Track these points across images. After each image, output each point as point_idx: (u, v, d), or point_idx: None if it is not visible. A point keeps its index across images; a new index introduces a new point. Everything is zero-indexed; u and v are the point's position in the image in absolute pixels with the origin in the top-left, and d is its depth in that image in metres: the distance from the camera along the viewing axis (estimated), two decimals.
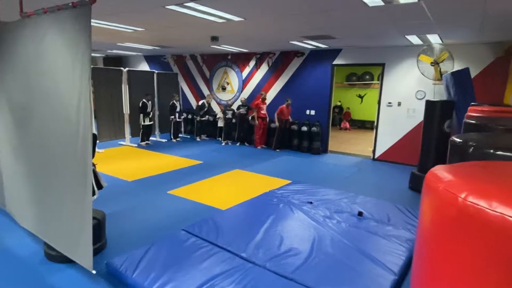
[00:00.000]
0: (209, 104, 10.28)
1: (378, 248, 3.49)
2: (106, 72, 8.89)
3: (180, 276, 2.87)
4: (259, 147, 9.29)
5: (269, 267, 3.06)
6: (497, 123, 2.06)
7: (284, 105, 8.84)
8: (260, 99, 9.14)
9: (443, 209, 0.74)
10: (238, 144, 9.68)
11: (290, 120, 9.04)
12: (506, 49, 6.59)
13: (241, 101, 9.68)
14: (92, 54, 12.01)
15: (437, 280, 0.78)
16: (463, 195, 0.70)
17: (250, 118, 9.57)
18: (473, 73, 6.25)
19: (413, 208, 4.67)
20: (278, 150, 9.02)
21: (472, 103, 4.83)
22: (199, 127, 10.35)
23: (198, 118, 10.20)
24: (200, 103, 10.31)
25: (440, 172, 0.86)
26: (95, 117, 7.70)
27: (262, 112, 9.10)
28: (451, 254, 0.72)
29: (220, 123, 10.09)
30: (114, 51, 10.91)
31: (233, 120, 9.76)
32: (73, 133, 2.70)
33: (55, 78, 2.82)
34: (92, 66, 2.62)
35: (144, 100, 9.01)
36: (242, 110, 9.49)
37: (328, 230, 3.87)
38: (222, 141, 9.85)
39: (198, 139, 10.32)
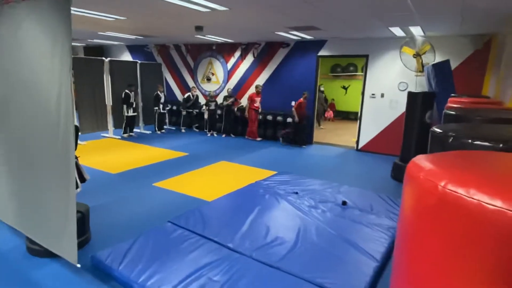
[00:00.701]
0: (195, 97, 10.17)
1: (361, 236, 3.59)
2: (87, 62, 8.65)
3: (167, 267, 2.88)
4: (258, 139, 9.22)
5: (255, 256, 3.11)
6: (475, 114, 2.13)
7: (301, 99, 8.47)
8: (255, 92, 9.03)
9: (424, 196, 0.77)
10: (223, 135, 9.65)
11: (306, 114, 8.64)
12: (485, 42, 6.76)
13: (228, 92, 9.62)
14: (72, 44, 11.64)
15: (418, 265, 0.81)
16: (442, 183, 0.73)
17: (235, 109, 9.53)
18: (453, 65, 6.39)
19: (395, 197, 4.80)
20: (284, 143, 8.76)
21: (452, 95, 4.96)
22: (185, 119, 10.28)
23: (184, 112, 10.12)
24: (185, 96, 10.22)
25: (421, 161, 0.89)
26: (76, 109, 7.51)
27: (255, 104, 9.00)
28: (431, 240, 0.76)
29: (206, 115, 10.04)
30: (95, 40, 10.60)
31: (218, 111, 9.71)
32: (54, 125, 2.63)
33: (34, 68, 2.73)
34: (72, 55, 2.54)
35: (126, 90, 8.81)
36: (228, 101, 9.44)
37: (313, 220, 3.94)
38: (208, 133, 9.80)
39: (182, 130, 10.25)
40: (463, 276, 0.69)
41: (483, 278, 0.66)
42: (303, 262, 3.04)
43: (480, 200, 0.66)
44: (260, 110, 9.17)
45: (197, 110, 10.24)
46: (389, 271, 3.11)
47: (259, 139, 9.25)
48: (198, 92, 10.55)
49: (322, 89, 13.07)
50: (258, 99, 9.03)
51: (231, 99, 9.44)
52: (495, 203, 0.64)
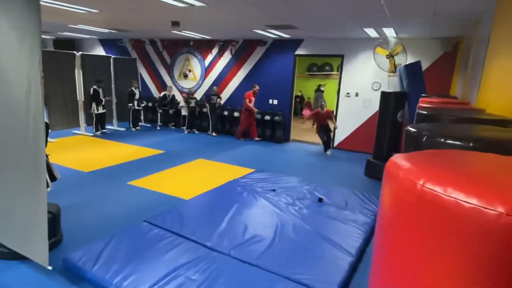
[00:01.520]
0: (171, 96, 10.00)
1: (337, 232, 3.67)
2: (58, 56, 8.28)
3: (143, 268, 2.82)
4: (257, 139, 9.01)
5: (233, 254, 3.11)
6: (446, 114, 2.24)
7: (319, 109, 8.04)
8: (253, 91, 8.75)
9: (403, 195, 0.80)
10: (209, 132, 9.49)
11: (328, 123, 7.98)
12: (453, 44, 7.08)
13: (214, 90, 9.41)
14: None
15: (397, 262, 0.84)
16: (421, 182, 0.76)
17: (217, 105, 9.41)
18: (423, 66, 6.64)
19: (368, 194, 4.94)
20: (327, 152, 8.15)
21: (423, 95, 5.15)
22: (161, 116, 10.15)
23: (160, 110, 10.00)
24: (161, 94, 10.05)
25: (400, 160, 0.93)
26: (45, 104, 7.17)
27: (250, 104, 8.74)
28: (411, 237, 0.79)
29: (184, 112, 9.86)
30: (66, 33, 10.16)
31: (197, 109, 9.57)
32: (23, 122, 2.50)
33: (0, 61, 2.58)
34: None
35: (95, 87, 8.46)
36: (214, 100, 9.29)
37: (290, 217, 3.99)
38: (185, 130, 9.66)
39: (158, 128, 10.06)
40: (442, 272, 0.72)
41: (461, 274, 0.69)
42: (281, 258, 3.07)
43: (457, 198, 0.69)
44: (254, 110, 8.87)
45: (173, 110, 10.09)
46: (364, 265, 3.21)
47: (257, 138, 9.04)
48: (175, 91, 10.38)
49: (322, 89, 13.25)
50: (253, 99, 8.80)
51: (216, 97, 9.30)
52: (471, 201, 0.67)
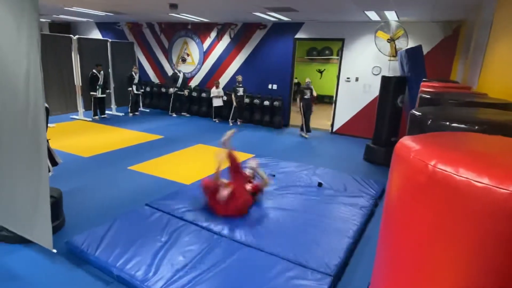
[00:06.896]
0: (182, 75, 9.54)
1: (336, 215, 3.72)
2: (54, 40, 8.12)
3: (146, 250, 2.86)
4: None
5: (234, 237, 3.15)
6: (449, 98, 2.24)
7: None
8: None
9: (414, 176, 0.81)
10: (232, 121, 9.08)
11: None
12: (454, 28, 6.99)
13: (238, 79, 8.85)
14: None
15: (406, 241, 0.86)
16: (432, 163, 0.77)
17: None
18: (424, 51, 6.56)
19: (367, 178, 4.98)
20: None
21: (424, 79, 5.12)
22: (174, 101, 9.62)
23: (172, 90, 9.42)
24: (171, 74, 9.61)
25: (409, 142, 0.93)
26: None
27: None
28: (421, 217, 0.80)
29: (217, 103, 9.10)
30: (61, 16, 9.95)
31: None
32: (23, 106, 2.48)
33: None
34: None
35: (94, 71, 8.38)
36: (240, 92, 8.82)
37: (290, 200, 4.03)
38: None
39: (173, 114, 9.68)
40: (452, 251, 0.74)
41: (471, 252, 0.71)
42: (281, 241, 3.11)
43: (469, 178, 0.70)
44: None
45: (182, 92, 9.58)
46: (362, 248, 3.27)
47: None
48: (181, 74, 9.72)
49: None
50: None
51: (242, 89, 8.88)
52: (482, 181, 0.68)
